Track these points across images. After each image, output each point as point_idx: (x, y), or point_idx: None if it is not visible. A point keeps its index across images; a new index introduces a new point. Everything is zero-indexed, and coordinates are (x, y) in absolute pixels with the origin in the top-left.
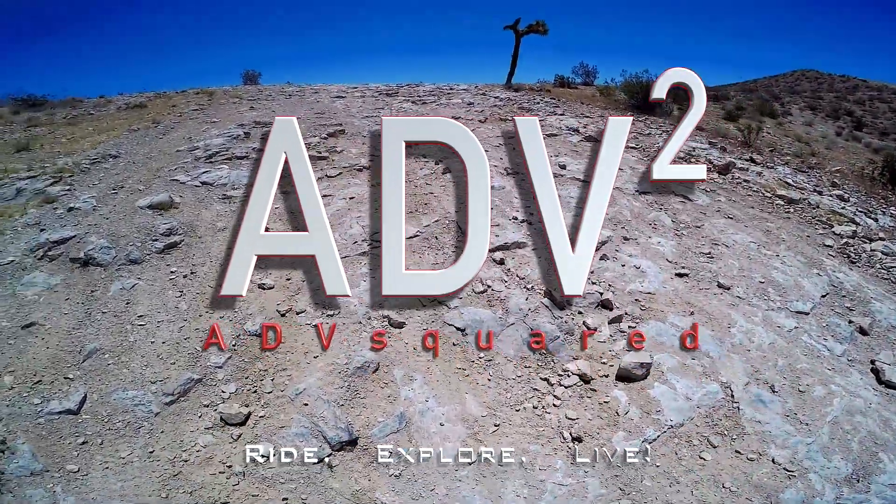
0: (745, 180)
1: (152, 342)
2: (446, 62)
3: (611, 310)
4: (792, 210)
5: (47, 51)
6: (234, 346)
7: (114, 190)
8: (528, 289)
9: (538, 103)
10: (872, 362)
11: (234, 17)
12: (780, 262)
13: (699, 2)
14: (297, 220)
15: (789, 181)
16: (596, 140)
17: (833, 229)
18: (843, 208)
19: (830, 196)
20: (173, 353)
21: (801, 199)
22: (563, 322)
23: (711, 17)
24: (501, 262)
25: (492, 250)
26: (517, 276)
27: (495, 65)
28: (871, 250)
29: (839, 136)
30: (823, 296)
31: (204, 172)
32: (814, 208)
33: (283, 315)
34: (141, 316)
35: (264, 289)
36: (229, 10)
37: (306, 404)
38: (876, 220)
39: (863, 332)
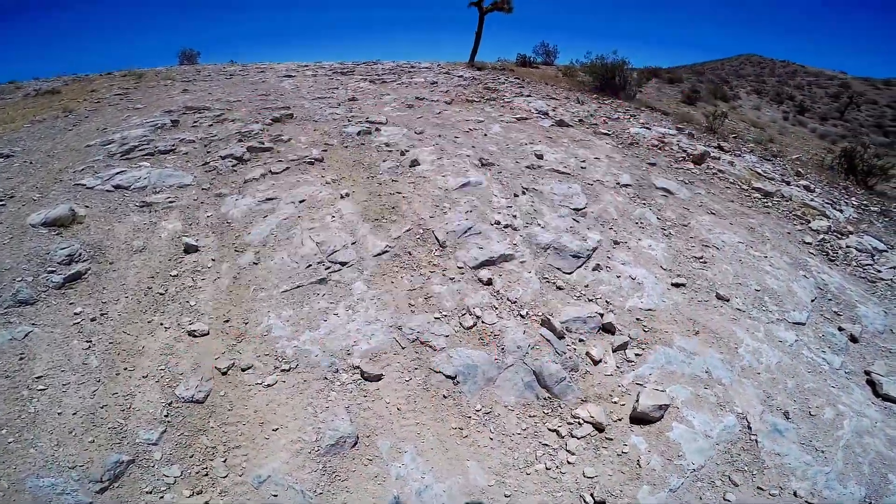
0: (719, 170)
1: (59, 413)
2: (406, 40)
3: (613, 333)
4: (770, 204)
5: None
6: (166, 416)
7: (0, 201)
8: (521, 316)
9: (503, 83)
10: (867, 374)
11: None
12: (769, 264)
13: None
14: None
15: (759, 170)
16: (568, 125)
17: (810, 224)
18: (812, 200)
19: (798, 187)
20: (89, 426)
21: (775, 191)
22: (567, 358)
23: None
24: (489, 283)
25: (476, 267)
26: (508, 299)
27: (456, 43)
28: (847, 247)
29: (786, 121)
30: (813, 300)
31: (118, 173)
32: (787, 200)
33: (224, 373)
34: (40, 377)
35: (195, 336)
36: None
37: (275, 495)
38: (841, 211)
39: (853, 339)
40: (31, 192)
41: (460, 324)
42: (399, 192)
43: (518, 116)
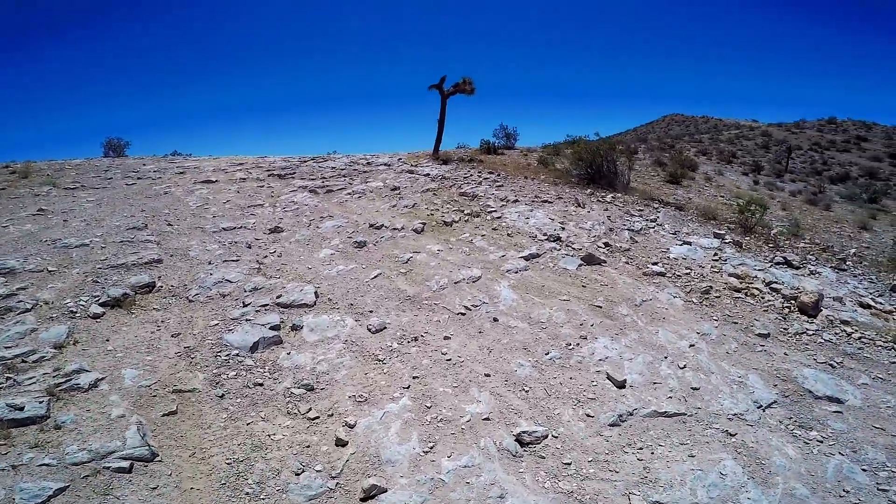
0: (843, 322)
1: None
2: (376, 119)
3: None
4: None
5: None
6: None
7: None
8: None
9: (479, 183)
10: None
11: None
12: None
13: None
14: None
15: (871, 302)
16: (599, 260)
17: None
18: None
19: None
20: None
21: None
22: None
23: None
24: None
25: None
26: None
27: (415, 117)
28: None
29: (757, 185)
30: None
31: None
32: None
33: None
34: None
35: None
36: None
37: None
38: None
39: None
40: None
41: None
42: None
43: (527, 253)
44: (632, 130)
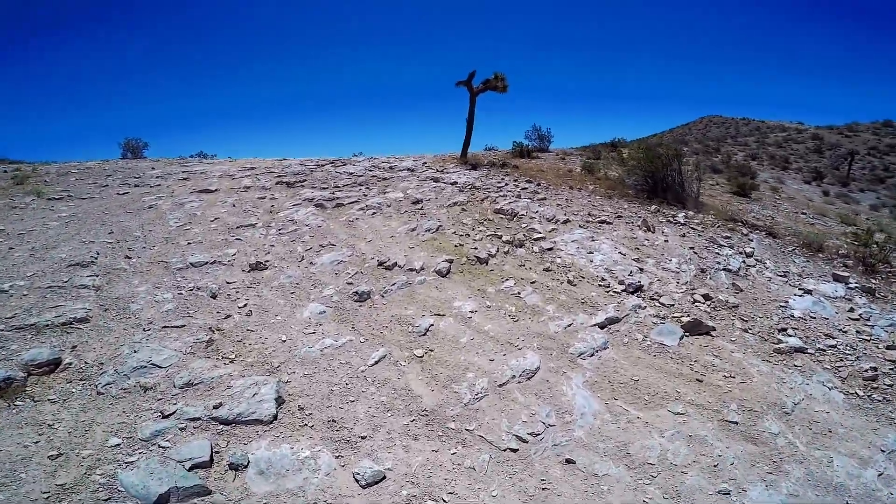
0: None
1: None
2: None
3: None
4: None
5: None
6: None
7: None
8: None
9: (518, 196)
10: None
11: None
12: None
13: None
14: None
15: None
16: (705, 328)
17: None
18: None
19: None
20: None
21: None
22: None
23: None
24: None
25: None
26: None
27: (441, 111)
28: None
29: (828, 196)
30: None
31: None
32: None
33: None
34: None
35: None
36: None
37: None
38: None
39: None
40: None
41: None
42: None
43: (603, 318)
44: (668, 132)
